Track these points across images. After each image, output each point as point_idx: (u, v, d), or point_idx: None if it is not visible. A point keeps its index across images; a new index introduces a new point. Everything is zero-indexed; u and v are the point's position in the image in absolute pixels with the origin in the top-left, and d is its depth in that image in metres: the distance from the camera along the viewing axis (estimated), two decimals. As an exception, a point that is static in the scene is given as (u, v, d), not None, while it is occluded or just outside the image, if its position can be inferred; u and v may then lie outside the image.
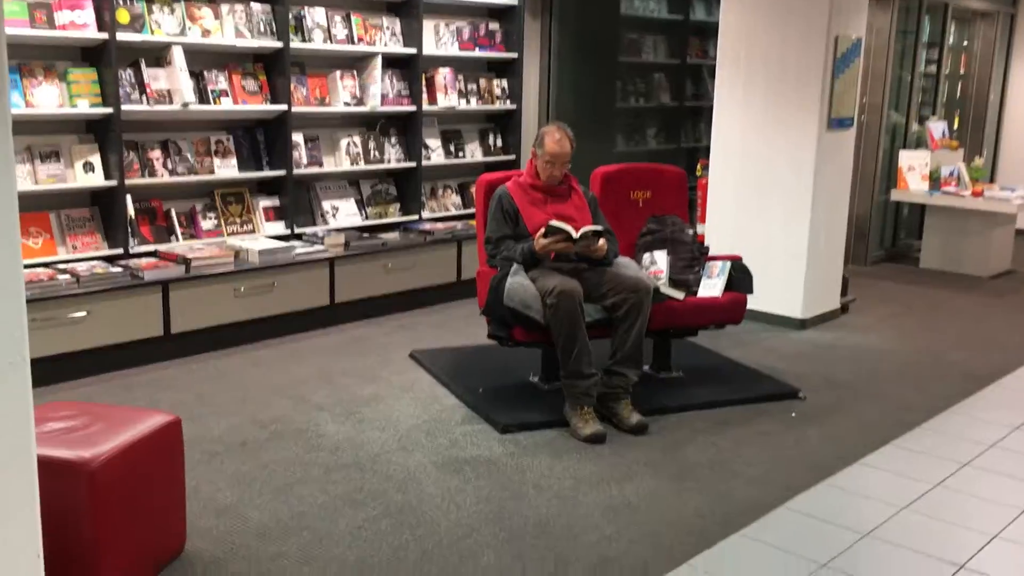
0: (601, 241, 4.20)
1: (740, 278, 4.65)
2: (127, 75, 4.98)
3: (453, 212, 6.69)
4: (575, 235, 4.07)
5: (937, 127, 7.79)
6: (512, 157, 6.96)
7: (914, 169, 7.55)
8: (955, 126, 8.94)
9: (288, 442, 3.90)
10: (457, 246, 6.25)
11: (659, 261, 4.69)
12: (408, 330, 5.63)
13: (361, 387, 4.58)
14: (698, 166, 6.65)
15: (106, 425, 2.78)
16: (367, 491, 3.47)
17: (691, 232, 4.82)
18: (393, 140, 6.29)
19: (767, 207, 5.79)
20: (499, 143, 6.96)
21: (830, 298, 6.07)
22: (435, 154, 6.53)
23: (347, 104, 5.92)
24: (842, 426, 4.24)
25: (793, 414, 4.36)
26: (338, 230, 5.87)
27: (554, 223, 4.10)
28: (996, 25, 9.18)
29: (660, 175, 5.03)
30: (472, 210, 6.74)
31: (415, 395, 4.50)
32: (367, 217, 6.16)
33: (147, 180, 5.12)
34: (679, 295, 4.50)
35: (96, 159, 4.93)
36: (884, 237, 8.20)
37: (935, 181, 7.53)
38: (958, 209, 7.41)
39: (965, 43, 9.26)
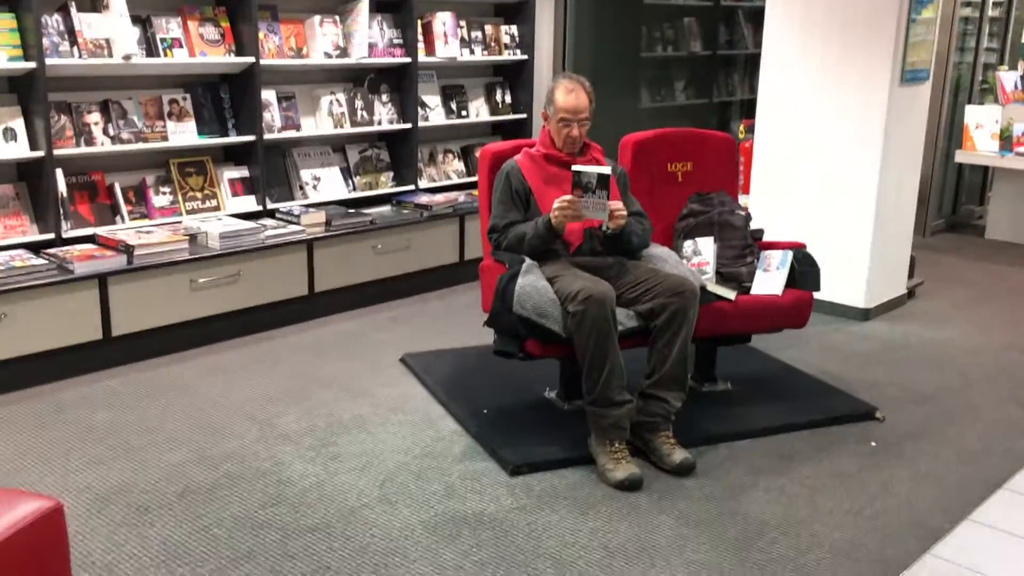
0: (616, 204, 3.34)
1: (805, 272, 3.76)
2: (54, 21, 4.08)
3: (455, 180, 5.80)
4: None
5: (1009, 78, 6.81)
6: (523, 116, 6.04)
7: (982, 127, 6.60)
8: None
9: (241, 490, 3.07)
10: (460, 222, 5.38)
11: (704, 250, 3.81)
12: (402, 324, 4.78)
13: (341, 405, 3.75)
14: (740, 127, 5.72)
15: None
16: (334, 572, 2.65)
17: (743, 213, 3.93)
18: (384, 98, 5.38)
19: (826, 176, 4.88)
20: (508, 100, 6.05)
21: (896, 282, 5.19)
22: (433, 113, 5.63)
23: (328, 56, 5.01)
24: (937, 461, 3.39)
25: (873, 444, 3.51)
26: (319, 205, 5.00)
27: (580, 168, 3.26)
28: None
29: (704, 142, 4.13)
30: (476, 178, 5.84)
31: (406, 417, 3.66)
32: (354, 188, 5.28)
33: (83, 150, 4.24)
34: (730, 294, 3.62)
35: (19, 124, 4.06)
36: (943, 203, 7.27)
37: (1006, 140, 6.57)
38: (1033, 172, 6.48)
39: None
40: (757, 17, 7.31)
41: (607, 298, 3.18)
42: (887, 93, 4.65)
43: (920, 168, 5.16)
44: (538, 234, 3.39)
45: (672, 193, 4.01)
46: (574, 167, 3.29)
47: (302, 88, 5.07)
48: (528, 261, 3.39)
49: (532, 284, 3.28)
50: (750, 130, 5.26)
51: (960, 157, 6.74)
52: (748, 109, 8.05)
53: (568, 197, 3.28)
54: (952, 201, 7.37)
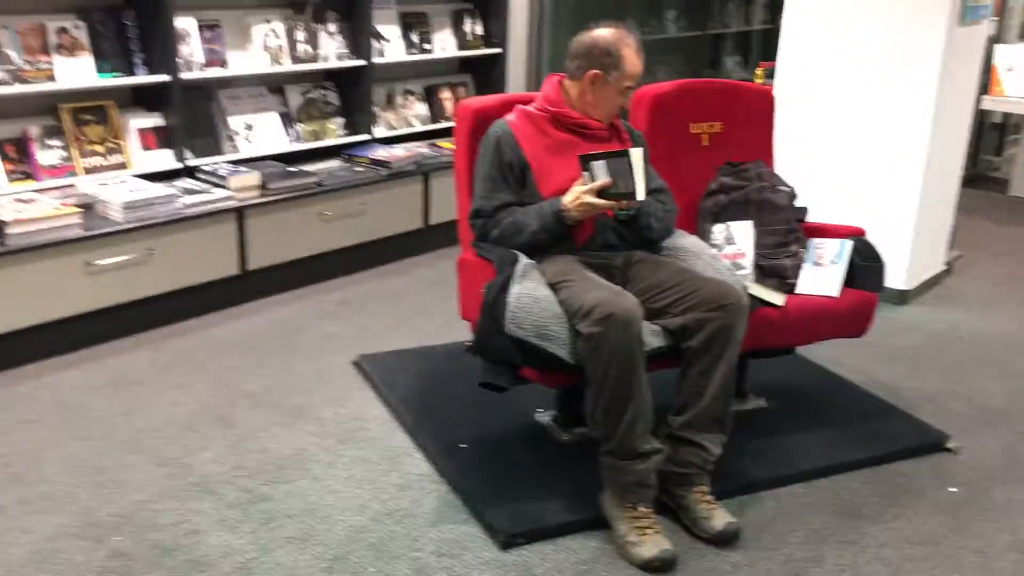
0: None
1: (866, 268, 2.99)
2: None
3: (417, 128, 4.90)
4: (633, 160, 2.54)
5: (1044, 14, 6.03)
6: (498, 51, 5.13)
7: (1013, 69, 5.83)
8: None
9: (136, 580, 2.26)
10: (424, 180, 4.51)
11: (739, 238, 3.01)
12: (354, 309, 3.93)
13: (277, 434, 2.92)
14: (757, 70, 4.87)
15: None
16: None
17: (787, 190, 3.13)
18: (331, 28, 4.44)
19: (867, 133, 4.08)
20: (479, 31, 5.12)
21: (936, 256, 4.45)
22: (391, 47, 4.70)
23: (261, -26, 4.06)
24: (1022, 512, 2.69)
25: (953, 490, 2.79)
26: (253, 161, 4.09)
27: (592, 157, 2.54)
28: None
29: (736, 96, 3.29)
30: (445, 124, 4.97)
31: (361, 452, 2.85)
32: (297, 138, 4.37)
33: (-60, 94, 3.29)
34: (779, 299, 2.84)
35: None
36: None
37: (1041, 86, 5.82)
38: (1068, 123, 5.74)
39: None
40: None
41: (633, 317, 2.38)
42: (945, 32, 3.83)
43: (971, 122, 4.39)
44: (545, 227, 2.57)
45: (696, 162, 3.18)
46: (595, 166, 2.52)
47: (229, 15, 4.10)
48: (523, 260, 2.57)
49: (530, 294, 2.46)
50: (769, 75, 4.43)
51: (988, 103, 5.96)
52: (742, 43, 7.20)
53: (592, 199, 2.50)
54: (973, 153, 6.62)
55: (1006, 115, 6.74)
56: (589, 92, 2.69)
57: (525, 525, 2.48)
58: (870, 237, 3.08)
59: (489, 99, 2.90)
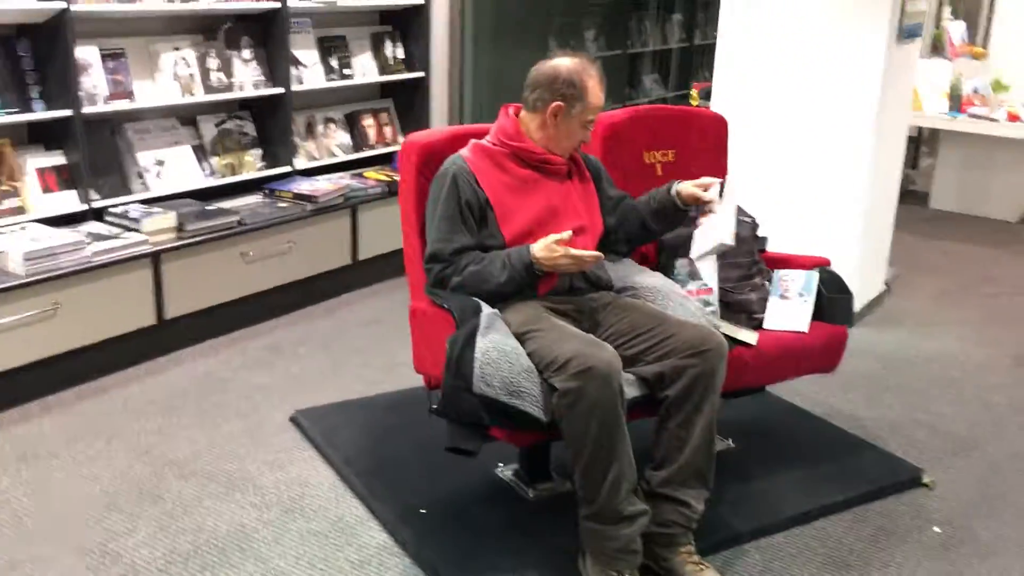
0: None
1: (834, 300, 2.87)
2: None
3: (340, 157, 4.63)
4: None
5: (956, 28, 6.13)
6: (420, 75, 4.91)
7: (933, 85, 5.89)
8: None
9: None
10: (352, 214, 4.25)
11: (704, 273, 2.85)
12: (284, 356, 3.65)
13: (212, 508, 2.63)
14: (691, 92, 4.77)
15: None
16: None
17: (749, 220, 2.99)
18: (246, 54, 4.15)
19: (809, 152, 4.00)
20: (400, 54, 4.90)
21: (878, 276, 4.41)
22: (310, 73, 4.44)
23: (169, -2, 3.75)
24: (1011, 549, 2.59)
25: (937, 530, 2.68)
26: (166, 199, 3.78)
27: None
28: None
29: (688, 124, 3.15)
30: (368, 153, 4.72)
31: (309, 524, 2.58)
32: (213, 172, 4.06)
33: None
34: (752, 338, 2.69)
35: None
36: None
37: (955, 100, 5.90)
38: (983, 136, 5.82)
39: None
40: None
41: (613, 370, 2.19)
42: (884, 49, 3.78)
43: (906, 137, 4.37)
44: (514, 279, 2.37)
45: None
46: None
47: (134, 42, 3.78)
48: (486, 309, 2.35)
49: (498, 347, 2.25)
50: (705, 95, 4.32)
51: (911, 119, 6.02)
52: (661, 62, 7.15)
53: (582, 253, 2.32)
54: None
55: (920, 129, 6.83)
56: (551, 125, 2.50)
57: (501, 602, 2.27)
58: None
59: (436, 133, 2.68)
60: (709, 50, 7.41)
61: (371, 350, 3.71)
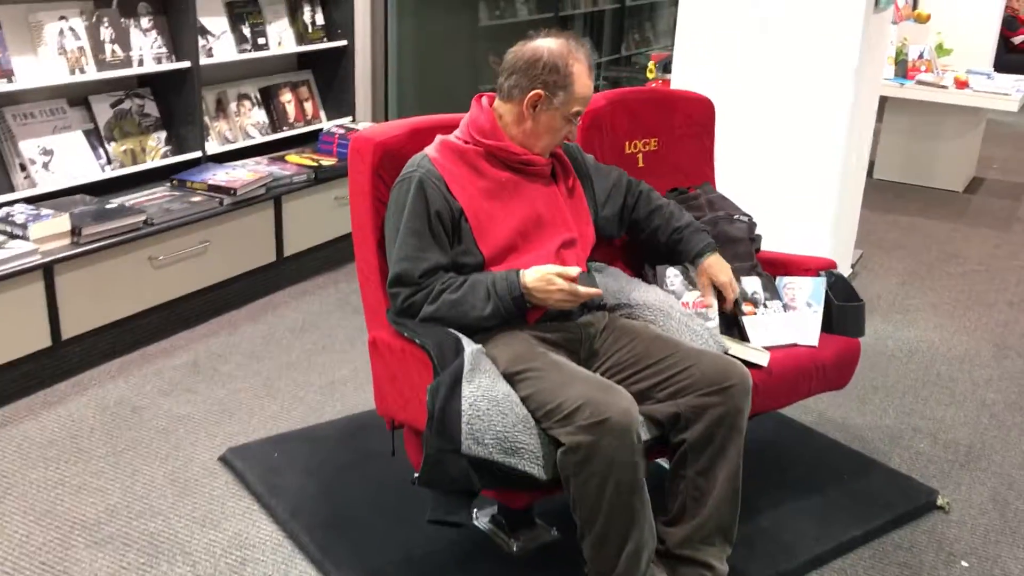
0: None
1: (844, 309, 2.55)
2: None
3: (257, 139, 4.12)
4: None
5: (900, -9, 5.89)
6: (342, 43, 4.40)
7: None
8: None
9: None
10: (275, 206, 3.76)
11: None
12: (207, 376, 3.17)
13: (132, 587, 2.18)
14: (649, 64, 4.38)
15: None
16: None
17: (745, 221, 2.64)
18: (145, 22, 3.59)
19: (780, 129, 3.67)
20: (319, 21, 4.37)
21: (846, 260, 4.14)
22: (219, 43, 3.89)
23: (51, -41, 3.17)
24: (1061, 587, 2.34)
25: (964, 564, 2.41)
26: (57, 196, 3.23)
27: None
28: None
29: (672, 108, 2.78)
30: (288, 133, 4.22)
31: (253, 601, 2.16)
32: (109, 162, 3.51)
33: None
34: (763, 358, 2.34)
35: None
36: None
37: (900, 65, 5.68)
38: (931, 104, 5.62)
39: None
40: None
41: (631, 420, 1.82)
42: (862, 18, 3.46)
43: (877, 111, 4.09)
44: (499, 313, 1.97)
45: (634, 187, 2.64)
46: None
47: (10, 11, 3.20)
48: (468, 346, 1.94)
49: (487, 396, 1.85)
50: (664, 67, 3.94)
51: (854, 86, 5.78)
52: (594, 24, 6.75)
53: (587, 290, 1.99)
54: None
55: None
56: (529, 117, 2.09)
57: None
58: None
59: (394, 127, 2.23)
60: (639, 11, 7.07)
61: (307, 365, 3.26)
